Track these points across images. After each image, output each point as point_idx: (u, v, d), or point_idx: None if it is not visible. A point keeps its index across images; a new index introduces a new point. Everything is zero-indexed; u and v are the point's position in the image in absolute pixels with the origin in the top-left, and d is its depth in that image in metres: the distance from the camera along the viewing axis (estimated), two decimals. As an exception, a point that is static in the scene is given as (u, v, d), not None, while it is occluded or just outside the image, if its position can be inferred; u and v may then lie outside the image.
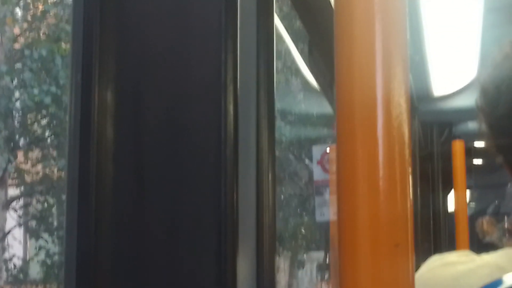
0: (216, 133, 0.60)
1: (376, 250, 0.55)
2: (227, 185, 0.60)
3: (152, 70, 0.60)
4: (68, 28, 11.52)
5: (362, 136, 0.57)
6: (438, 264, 1.28)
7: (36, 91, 11.33)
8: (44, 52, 11.36)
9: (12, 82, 11.65)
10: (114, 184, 0.60)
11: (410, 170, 0.57)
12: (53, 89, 11.33)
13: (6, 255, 12.53)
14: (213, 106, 0.59)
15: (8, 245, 12.58)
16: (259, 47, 0.66)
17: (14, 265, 12.90)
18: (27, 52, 11.52)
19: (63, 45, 11.51)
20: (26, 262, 13.60)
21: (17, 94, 11.95)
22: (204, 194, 0.60)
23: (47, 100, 11.32)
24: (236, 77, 0.60)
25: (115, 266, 0.60)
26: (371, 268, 0.55)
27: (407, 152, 0.57)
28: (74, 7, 0.61)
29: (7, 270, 12.66)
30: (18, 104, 12.07)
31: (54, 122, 12.04)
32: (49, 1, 11.90)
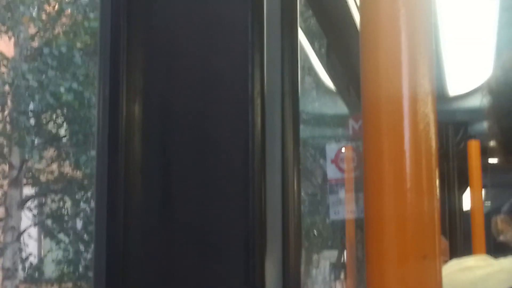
0: (243, 145, 0.60)
1: (403, 262, 0.56)
2: (255, 195, 0.61)
3: (179, 83, 0.61)
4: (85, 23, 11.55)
5: (388, 148, 0.57)
6: (455, 269, 1.28)
7: (52, 89, 11.37)
8: (63, 49, 11.40)
9: (27, 81, 11.69)
10: (143, 195, 0.61)
11: (437, 182, 0.57)
12: (72, 87, 11.36)
13: (22, 254, 12.59)
14: (240, 119, 0.60)
15: (24, 244, 12.64)
16: (284, 60, 0.66)
17: (31, 263, 12.96)
18: (45, 50, 11.56)
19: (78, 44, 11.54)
20: (41, 261, 13.66)
21: (32, 93, 12.00)
22: (233, 205, 0.61)
23: (64, 99, 11.36)
24: (263, 90, 0.60)
25: (144, 272, 0.61)
26: (399, 281, 0.55)
27: (434, 162, 0.58)
28: (101, 21, 0.62)
29: (23, 269, 12.72)
30: (33, 103, 12.12)
31: (70, 121, 12.08)
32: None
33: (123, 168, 0.60)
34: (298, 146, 0.69)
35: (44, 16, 12.03)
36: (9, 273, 11.95)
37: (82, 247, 12.42)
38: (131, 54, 0.61)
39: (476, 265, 1.26)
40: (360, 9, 0.59)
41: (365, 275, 0.55)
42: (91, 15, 11.62)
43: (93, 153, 11.54)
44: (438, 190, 0.58)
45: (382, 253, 0.56)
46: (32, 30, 12.08)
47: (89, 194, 12.13)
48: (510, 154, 1.20)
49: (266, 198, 0.62)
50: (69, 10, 11.86)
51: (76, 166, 12.00)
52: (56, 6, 11.91)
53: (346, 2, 1.49)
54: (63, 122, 12.37)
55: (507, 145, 1.19)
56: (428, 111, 0.57)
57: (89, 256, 12.23)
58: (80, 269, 12.49)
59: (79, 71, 11.35)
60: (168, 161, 0.61)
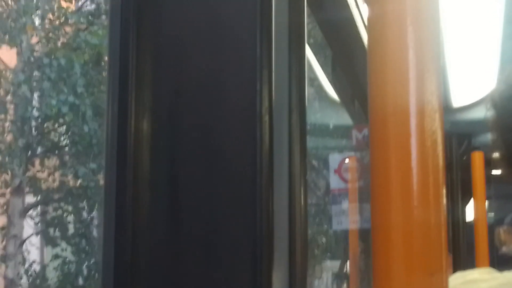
0: (251, 160, 0.60)
1: (410, 279, 0.56)
2: (262, 208, 0.61)
3: (187, 100, 0.61)
4: (88, 37, 11.58)
5: (396, 165, 0.57)
6: (460, 282, 1.28)
7: (54, 99, 11.39)
8: (62, 61, 11.43)
9: (30, 90, 11.72)
10: (151, 210, 0.61)
11: (444, 199, 0.57)
12: (71, 97, 11.39)
13: (25, 262, 12.59)
14: (248, 135, 0.60)
15: (26, 252, 12.65)
16: (291, 77, 0.67)
17: (35, 271, 12.96)
18: (45, 60, 11.58)
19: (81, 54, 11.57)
20: (43, 269, 13.66)
21: (34, 102, 12.03)
22: (241, 217, 0.61)
23: (64, 108, 11.39)
24: (271, 107, 0.61)
25: (152, 283, 0.62)
26: (406, 298, 0.55)
27: (441, 179, 0.58)
28: (111, 36, 0.62)
29: (25, 277, 12.72)
30: (35, 112, 12.14)
31: (71, 130, 12.09)
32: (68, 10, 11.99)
33: (131, 183, 0.60)
34: (304, 161, 0.69)
35: (47, 26, 12.06)
36: (12, 282, 11.95)
37: (84, 256, 12.41)
38: (139, 70, 0.61)
39: (481, 278, 1.26)
40: (368, 27, 0.59)
41: (368, 285, 0.55)
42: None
43: (92, 165, 11.57)
44: (445, 208, 0.58)
45: (389, 270, 0.56)
46: (34, 39, 12.11)
47: (90, 203, 12.14)
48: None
49: (274, 211, 0.62)
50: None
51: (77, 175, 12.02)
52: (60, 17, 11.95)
53: (352, 16, 1.49)
54: (65, 131, 12.38)
55: (511, 158, 1.19)
56: (435, 128, 0.58)
57: (91, 264, 12.22)
58: (83, 277, 12.49)
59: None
60: (176, 176, 0.61)
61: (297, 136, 0.67)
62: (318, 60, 2.51)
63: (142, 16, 0.62)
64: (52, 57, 11.51)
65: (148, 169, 0.61)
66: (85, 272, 12.36)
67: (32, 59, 11.90)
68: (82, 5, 12.49)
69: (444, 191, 0.58)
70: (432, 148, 0.58)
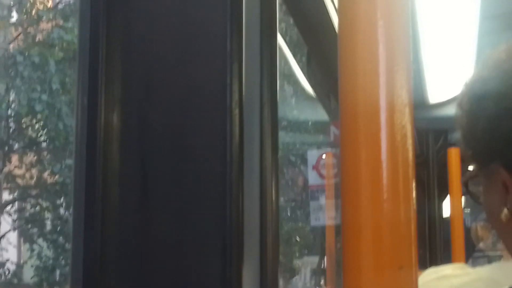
0: (221, 154, 0.60)
1: (380, 272, 0.56)
2: (232, 203, 0.61)
3: (157, 93, 0.61)
4: (62, 33, 11.53)
5: (366, 159, 0.57)
6: (433, 278, 1.29)
7: (29, 95, 11.34)
8: (37, 58, 11.37)
9: (6, 87, 11.66)
10: (120, 203, 0.61)
11: (414, 193, 0.58)
12: (46, 94, 11.34)
13: (0, 259, 12.53)
14: (218, 128, 0.60)
15: (2, 249, 12.58)
16: (263, 70, 0.67)
17: (8, 270, 12.90)
18: (20, 57, 11.51)
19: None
20: (20, 266, 13.60)
21: (11, 98, 11.97)
22: (210, 213, 0.61)
23: (41, 105, 11.33)
24: (242, 101, 0.60)
25: (121, 280, 0.61)
26: (375, 291, 0.56)
27: (411, 173, 0.58)
28: (80, 29, 0.62)
29: (2, 274, 12.66)
30: (12, 108, 12.08)
31: (48, 126, 12.03)
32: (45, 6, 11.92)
33: (100, 176, 0.60)
34: (276, 155, 0.69)
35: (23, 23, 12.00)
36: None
37: (59, 252, 12.37)
38: (109, 63, 0.61)
39: (453, 273, 1.27)
40: (339, 20, 0.59)
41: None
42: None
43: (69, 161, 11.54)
44: (415, 201, 0.58)
45: (358, 263, 0.56)
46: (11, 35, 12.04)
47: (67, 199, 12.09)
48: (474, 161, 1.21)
49: (244, 205, 0.62)
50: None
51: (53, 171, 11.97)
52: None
53: (327, 10, 1.50)
54: (42, 127, 12.32)
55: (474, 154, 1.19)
56: (405, 122, 0.58)
57: (64, 261, 12.20)
58: (58, 273, 12.46)
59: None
60: (146, 169, 0.61)
61: (268, 130, 0.67)
62: (295, 57, 2.51)
63: (112, 9, 0.61)
64: (27, 54, 11.45)
65: (117, 163, 0.61)
66: (61, 268, 12.32)
67: (7, 55, 11.82)
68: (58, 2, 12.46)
69: (414, 185, 0.58)
70: (402, 142, 0.58)
